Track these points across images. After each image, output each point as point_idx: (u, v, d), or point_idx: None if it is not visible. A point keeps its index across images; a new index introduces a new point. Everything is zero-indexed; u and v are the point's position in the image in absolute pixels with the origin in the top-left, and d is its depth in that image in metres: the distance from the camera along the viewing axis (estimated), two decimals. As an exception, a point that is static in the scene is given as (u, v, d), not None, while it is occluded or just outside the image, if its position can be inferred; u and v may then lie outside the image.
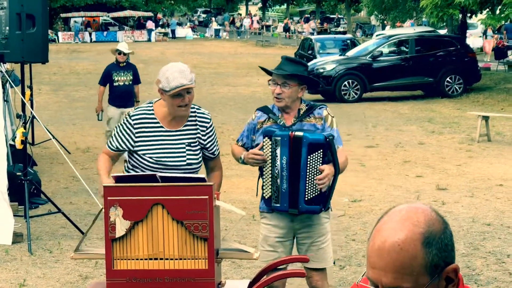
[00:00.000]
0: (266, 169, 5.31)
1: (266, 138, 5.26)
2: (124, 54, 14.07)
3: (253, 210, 10.21)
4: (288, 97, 5.35)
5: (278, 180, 5.24)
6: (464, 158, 14.13)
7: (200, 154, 5.21)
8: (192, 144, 5.14)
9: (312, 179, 5.19)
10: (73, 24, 64.81)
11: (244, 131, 5.55)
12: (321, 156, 5.19)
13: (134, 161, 5.16)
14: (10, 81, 10.72)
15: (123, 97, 13.95)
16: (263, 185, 5.38)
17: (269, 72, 5.52)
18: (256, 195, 5.75)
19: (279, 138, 5.19)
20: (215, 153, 5.31)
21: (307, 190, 5.21)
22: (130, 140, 5.12)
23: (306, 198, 5.21)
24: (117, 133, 5.18)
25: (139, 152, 5.10)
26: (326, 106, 5.54)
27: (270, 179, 5.30)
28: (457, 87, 24.76)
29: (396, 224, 2.20)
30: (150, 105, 5.19)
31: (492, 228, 9.14)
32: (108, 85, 14.13)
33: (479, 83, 26.08)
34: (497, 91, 25.47)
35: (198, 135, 5.16)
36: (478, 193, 11.07)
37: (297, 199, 5.21)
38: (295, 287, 7.11)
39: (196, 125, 5.17)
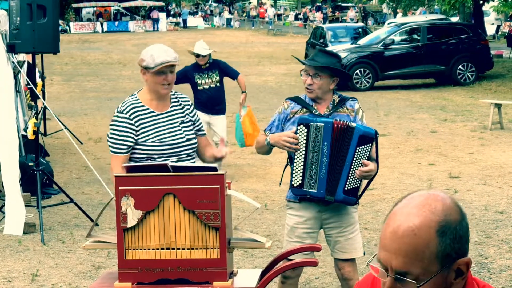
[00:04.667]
0: (298, 157, 5.24)
1: (301, 125, 5.20)
2: (203, 56, 11.33)
3: (265, 199, 10.22)
4: (318, 88, 5.32)
5: (316, 166, 5.20)
6: (476, 146, 14.08)
7: (194, 131, 5.29)
8: (184, 121, 5.21)
9: (355, 171, 5.18)
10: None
11: (274, 120, 5.47)
12: (369, 150, 5.18)
13: (137, 153, 5.10)
14: (23, 72, 10.74)
15: (211, 102, 11.47)
16: (292, 173, 5.31)
17: (302, 62, 5.50)
18: (280, 184, 5.70)
19: (322, 124, 5.15)
20: (202, 129, 5.39)
21: (348, 180, 5.19)
22: (134, 132, 5.07)
23: (345, 188, 5.20)
24: (119, 135, 5.08)
25: (140, 141, 5.07)
26: (357, 99, 5.53)
27: (302, 166, 5.24)
28: (469, 75, 24.66)
29: (413, 209, 2.19)
30: (134, 95, 5.23)
31: (505, 216, 9.11)
32: (192, 90, 11.55)
33: (491, 70, 25.97)
34: (509, 79, 25.35)
35: (185, 112, 5.24)
36: (491, 181, 11.04)
37: (336, 187, 5.20)
38: (308, 275, 7.11)
39: (180, 104, 5.25)
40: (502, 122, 16.10)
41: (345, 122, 5.17)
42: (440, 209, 2.18)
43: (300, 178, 5.26)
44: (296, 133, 5.22)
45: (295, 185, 5.30)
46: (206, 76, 11.45)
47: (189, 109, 5.27)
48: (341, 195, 5.21)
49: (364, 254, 5.63)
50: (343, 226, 5.41)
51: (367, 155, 5.18)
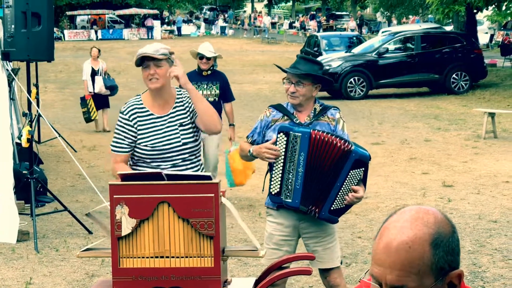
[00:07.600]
0: (277, 165, 5.26)
1: (281, 133, 5.21)
2: (208, 59, 10.14)
3: (259, 208, 10.21)
4: (302, 95, 5.34)
5: (292, 176, 5.21)
6: (470, 155, 14.11)
7: (195, 133, 5.25)
8: (184, 124, 5.18)
9: (344, 193, 5.18)
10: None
11: (256, 127, 5.51)
12: (361, 173, 5.18)
13: (134, 154, 5.19)
14: (16, 79, 10.73)
15: None
16: (271, 180, 5.33)
17: (284, 70, 5.52)
18: (263, 191, 5.72)
19: (300, 134, 5.15)
20: None
21: (335, 201, 5.19)
22: (133, 133, 5.15)
23: (332, 208, 5.20)
24: (119, 134, 5.20)
25: (137, 143, 5.14)
26: (339, 109, 5.54)
27: (280, 174, 5.26)
28: (463, 84, 24.72)
29: (406, 223, 2.19)
30: (138, 96, 5.29)
31: (498, 225, 9.13)
32: None
33: (485, 79, 26.05)
34: (503, 88, 25.42)
35: (188, 111, 5.22)
36: (484, 190, 11.05)
37: (322, 205, 5.19)
38: (302, 284, 7.11)
39: (184, 105, 5.23)
40: (496, 131, 16.14)
41: (354, 149, 5.16)
42: (433, 222, 2.19)
43: (278, 186, 5.28)
44: (276, 140, 5.24)
45: (273, 192, 5.32)
46: (205, 86, 10.01)
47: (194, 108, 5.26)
48: (326, 214, 5.22)
49: (341, 263, 5.64)
50: (322, 236, 5.42)
51: (358, 178, 5.19)
